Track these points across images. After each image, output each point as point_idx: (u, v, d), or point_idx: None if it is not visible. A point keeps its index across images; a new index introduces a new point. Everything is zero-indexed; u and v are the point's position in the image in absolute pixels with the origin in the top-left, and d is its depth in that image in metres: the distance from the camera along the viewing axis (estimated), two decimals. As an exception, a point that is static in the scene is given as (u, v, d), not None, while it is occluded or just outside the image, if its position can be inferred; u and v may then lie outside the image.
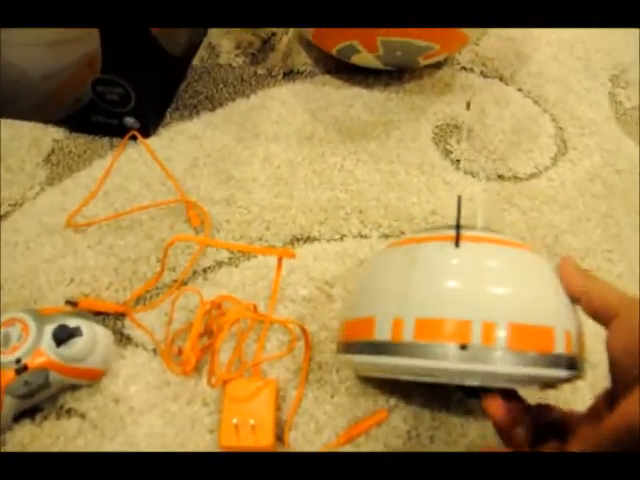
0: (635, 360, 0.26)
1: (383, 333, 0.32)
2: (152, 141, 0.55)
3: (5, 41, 0.48)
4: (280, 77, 0.61)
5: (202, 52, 0.63)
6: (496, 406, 0.32)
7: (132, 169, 0.53)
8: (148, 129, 0.55)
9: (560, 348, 0.30)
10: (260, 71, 0.61)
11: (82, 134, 0.56)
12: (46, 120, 0.56)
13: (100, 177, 0.52)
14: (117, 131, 0.54)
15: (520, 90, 0.62)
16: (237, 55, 0.63)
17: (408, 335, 0.31)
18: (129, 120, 0.53)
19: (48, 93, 0.53)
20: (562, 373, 0.31)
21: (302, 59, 0.62)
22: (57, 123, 0.56)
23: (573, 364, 0.31)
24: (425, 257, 0.33)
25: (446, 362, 0.30)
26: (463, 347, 0.30)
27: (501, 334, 0.30)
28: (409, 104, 0.58)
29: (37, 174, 0.53)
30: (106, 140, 0.55)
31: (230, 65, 0.62)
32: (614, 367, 0.28)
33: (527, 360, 0.30)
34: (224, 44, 0.63)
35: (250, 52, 0.63)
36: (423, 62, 0.57)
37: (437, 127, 0.57)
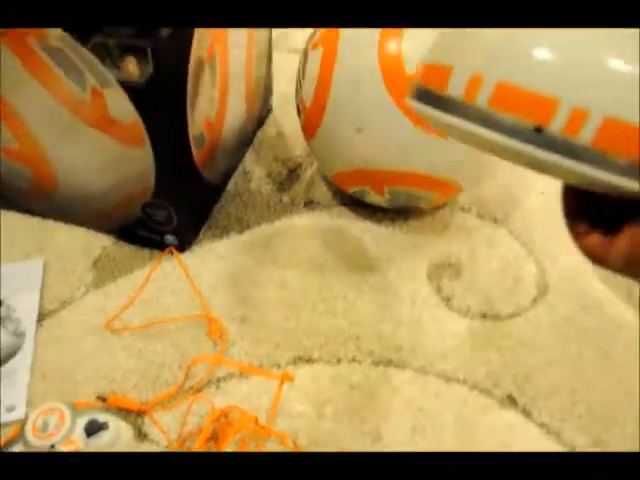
0: None
1: (457, 88, 0.28)
2: (186, 256, 0.64)
3: (69, 167, 0.59)
4: (302, 206, 0.70)
5: (237, 177, 0.73)
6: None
7: (166, 282, 0.62)
8: (184, 246, 0.64)
9: None
10: (285, 199, 0.71)
11: (127, 243, 0.65)
12: (99, 229, 0.66)
13: (138, 286, 0.61)
14: (157, 245, 0.64)
15: (511, 233, 0.70)
16: (267, 182, 0.73)
17: (483, 99, 0.27)
18: (169, 237, 0.63)
19: (103, 208, 0.63)
20: None
21: (323, 191, 0.72)
22: (107, 232, 0.66)
23: None
24: None
25: (516, 142, 0.26)
26: (538, 130, 0.25)
27: (590, 126, 0.24)
28: (410, 241, 0.67)
29: (85, 277, 0.62)
30: (147, 251, 0.65)
31: (259, 191, 0.72)
32: None
33: (613, 167, 0.24)
34: (256, 171, 0.74)
35: (278, 180, 0.73)
36: (425, 206, 0.66)
37: (433, 264, 0.65)
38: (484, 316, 0.61)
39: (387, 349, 0.57)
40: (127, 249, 0.65)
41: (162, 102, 0.49)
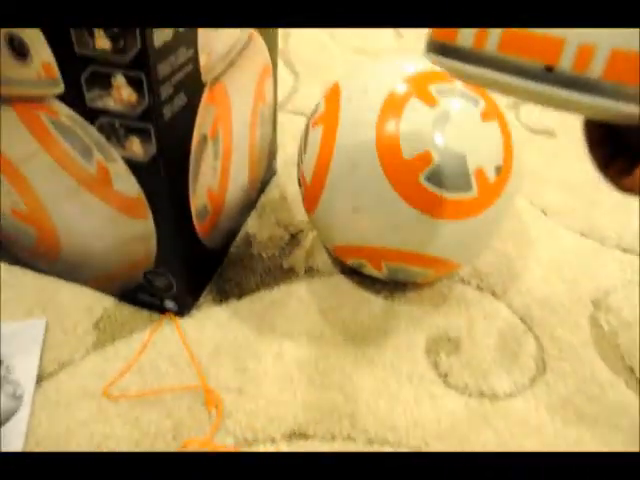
0: None
1: (466, 38, 0.29)
2: (185, 321, 0.64)
3: (73, 232, 0.60)
4: (302, 273, 0.71)
5: (239, 241, 0.74)
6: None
7: (165, 347, 0.62)
8: (183, 311, 0.64)
9: None
10: (285, 265, 0.71)
11: (128, 304, 0.66)
12: (101, 290, 0.66)
13: (137, 351, 0.61)
14: (158, 308, 0.64)
15: (509, 307, 0.70)
16: (268, 247, 0.73)
17: (492, 45, 0.28)
18: (169, 303, 0.63)
19: (105, 272, 0.64)
20: None
21: (323, 258, 0.72)
22: (109, 294, 0.66)
23: None
24: None
25: (529, 82, 0.27)
26: (549, 69, 0.26)
27: (598, 61, 0.25)
28: (408, 313, 0.67)
29: (86, 338, 0.63)
30: (147, 314, 0.65)
31: (261, 255, 0.72)
32: None
33: (624, 96, 0.25)
34: (258, 235, 0.75)
35: (279, 245, 0.74)
36: (422, 281, 0.66)
37: (431, 338, 0.65)
38: (482, 394, 0.61)
39: (382, 427, 0.57)
40: (128, 311, 0.66)
41: (165, 179, 0.50)
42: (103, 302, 0.66)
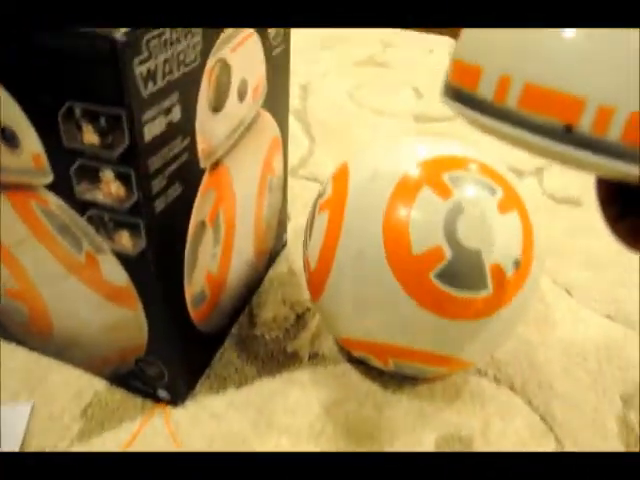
0: None
1: (487, 88, 0.28)
2: (178, 412, 0.60)
3: (64, 314, 0.57)
4: (306, 359, 0.66)
5: (242, 320, 0.71)
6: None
7: (154, 441, 0.58)
8: (177, 400, 0.60)
9: None
10: (289, 349, 0.67)
11: (120, 389, 0.62)
12: (93, 372, 0.63)
13: (124, 443, 0.57)
14: (151, 396, 0.61)
15: (529, 403, 0.65)
16: (272, 328, 0.70)
17: (512, 100, 0.27)
18: (161, 392, 0.59)
19: (96, 356, 0.60)
20: None
21: (329, 344, 0.68)
22: (101, 376, 0.63)
23: None
24: None
25: (547, 140, 0.26)
26: (568, 129, 0.26)
27: (617, 123, 0.24)
28: (418, 409, 0.62)
29: (72, 426, 0.59)
30: (140, 400, 0.61)
31: (264, 337, 0.69)
32: None
33: None
34: (262, 314, 0.71)
35: (284, 326, 0.70)
36: (433, 377, 0.61)
37: (441, 437, 0.60)
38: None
39: None
40: (120, 396, 0.62)
41: (156, 271, 0.47)
42: (94, 385, 0.63)
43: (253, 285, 0.73)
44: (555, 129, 0.26)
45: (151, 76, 0.39)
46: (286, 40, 0.62)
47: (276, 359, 0.66)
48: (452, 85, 0.31)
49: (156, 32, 0.38)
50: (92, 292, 0.52)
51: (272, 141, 0.65)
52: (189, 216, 0.50)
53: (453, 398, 0.64)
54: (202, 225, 0.53)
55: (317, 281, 0.57)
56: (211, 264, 0.57)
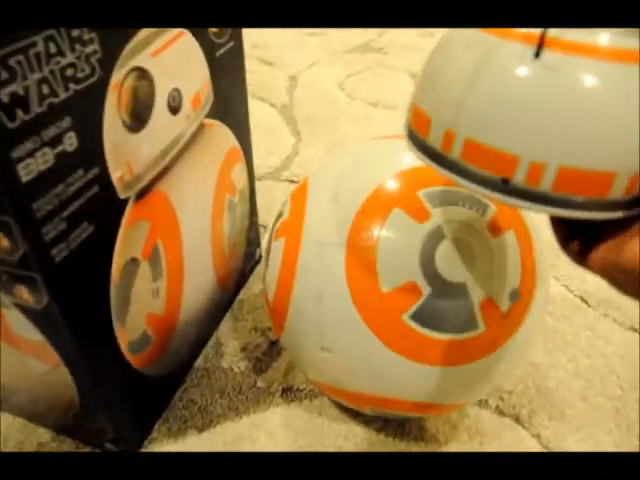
0: None
1: (435, 139, 0.30)
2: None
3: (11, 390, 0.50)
4: (278, 394, 0.59)
5: (208, 350, 0.63)
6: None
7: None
8: (129, 450, 0.53)
9: (618, 194, 0.27)
10: (260, 383, 0.60)
11: (68, 438, 0.56)
12: (36, 421, 0.57)
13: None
14: (99, 447, 0.54)
15: (537, 438, 0.56)
16: (241, 359, 0.62)
17: (456, 153, 0.29)
18: (108, 445, 0.53)
19: (34, 410, 0.54)
20: (617, 214, 0.28)
21: (304, 376, 0.60)
22: (46, 426, 0.56)
23: (634, 203, 0.28)
24: (498, 61, 0.28)
25: (487, 190, 0.29)
26: (505, 181, 0.28)
27: (549, 176, 0.27)
28: (407, 451, 0.54)
29: None
30: (89, 450, 0.55)
31: (232, 369, 0.61)
32: None
33: (572, 204, 0.28)
34: (230, 344, 0.63)
35: (255, 356, 0.62)
36: (418, 418, 0.53)
37: (432, 488, 0.52)
38: None
39: None
40: (67, 446, 0.55)
41: (69, 327, 0.40)
42: (39, 436, 0.56)
43: (220, 311, 0.66)
44: (493, 181, 0.28)
45: (19, 102, 0.31)
46: (235, 36, 0.53)
47: (245, 395, 0.59)
48: (410, 128, 0.33)
49: (20, 44, 0.30)
50: (11, 348, 0.45)
51: (228, 154, 0.57)
52: (110, 256, 0.42)
53: (448, 436, 0.55)
54: (133, 262, 0.45)
55: (276, 319, 0.49)
56: (152, 303, 0.50)
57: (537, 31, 0.27)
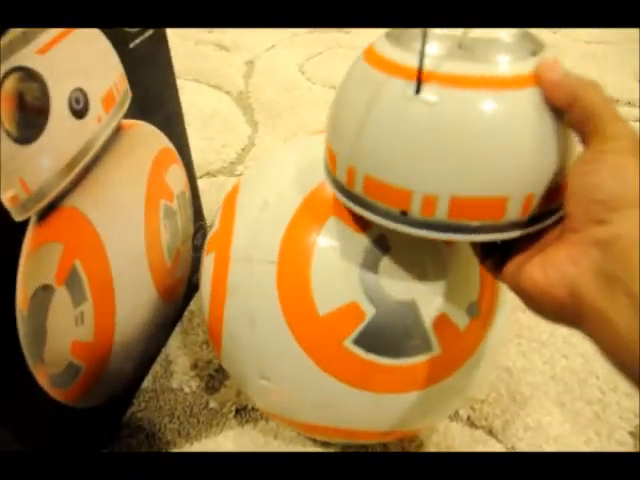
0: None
1: (340, 175, 0.32)
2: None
3: None
4: (232, 415, 0.54)
5: (157, 367, 0.58)
6: None
7: None
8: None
9: (513, 215, 0.29)
10: (212, 404, 0.55)
11: None
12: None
13: None
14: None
15: (513, 450, 0.52)
16: (192, 377, 0.57)
17: (359, 188, 0.31)
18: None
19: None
20: (514, 234, 0.29)
21: (259, 393, 0.56)
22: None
23: (532, 222, 0.29)
24: (385, 98, 0.29)
25: (389, 222, 0.30)
26: (403, 213, 0.30)
27: (442, 207, 0.28)
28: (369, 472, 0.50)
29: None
30: None
31: (182, 390, 0.56)
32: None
33: (469, 229, 0.29)
34: (180, 361, 0.58)
35: (207, 373, 0.57)
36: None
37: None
38: None
39: None
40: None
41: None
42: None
43: (166, 326, 0.60)
44: (394, 213, 0.30)
45: None
46: (155, 22, 0.47)
47: (196, 418, 0.54)
48: (325, 162, 0.35)
49: None
50: None
51: (158, 156, 0.51)
52: (12, 287, 0.37)
53: (413, 452, 0.51)
54: (45, 290, 0.40)
55: (213, 342, 0.44)
56: (77, 330, 0.44)
57: (415, 66, 0.27)
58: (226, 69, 0.97)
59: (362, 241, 0.36)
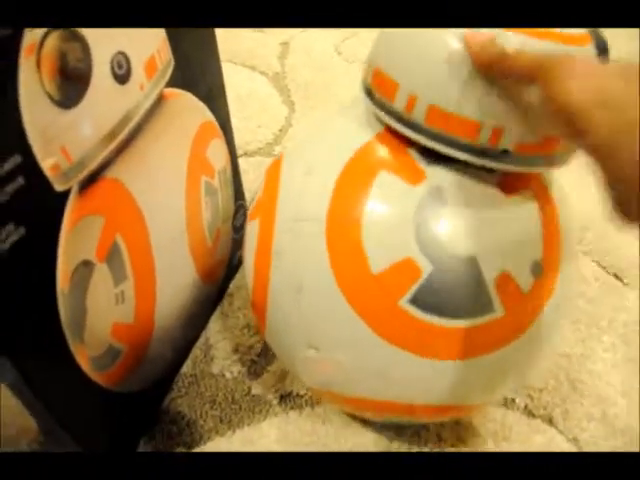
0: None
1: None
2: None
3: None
4: (276, 401, 0.52)
5: (197, 351, 0.56)
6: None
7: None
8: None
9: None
10: (255, 390, 0.53)
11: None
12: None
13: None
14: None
15: (575, 441, 0.49)
16: (233, 361, 0.55)
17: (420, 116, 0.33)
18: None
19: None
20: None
21: (304, 379, 0.53)
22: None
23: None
24: None
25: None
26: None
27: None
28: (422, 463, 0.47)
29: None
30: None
31: (223, 375, 0.54)
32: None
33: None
34: (221, 345, 0.56)
35: (248, 358, 0.55)
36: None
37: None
38: None
39: None
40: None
41: (9, 349, 0.33)
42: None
43: (206, 308, 0.58)
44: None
45: None
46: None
47: (238, 405, 0.52)
48: (369, 88, 0.36)
49: None
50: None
51: (200, 129, 0.49)
52: (53, 262, 0.35)
53: (470, 444, 0.48)
54: (85, 266, 0.38)
55: (258, 315, 0.42)
56: (118, 310, 0.42)
57: None
58: (261, 50, 0.95)
59: (416, 193, 0.34)
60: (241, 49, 0.94)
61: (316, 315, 0.36)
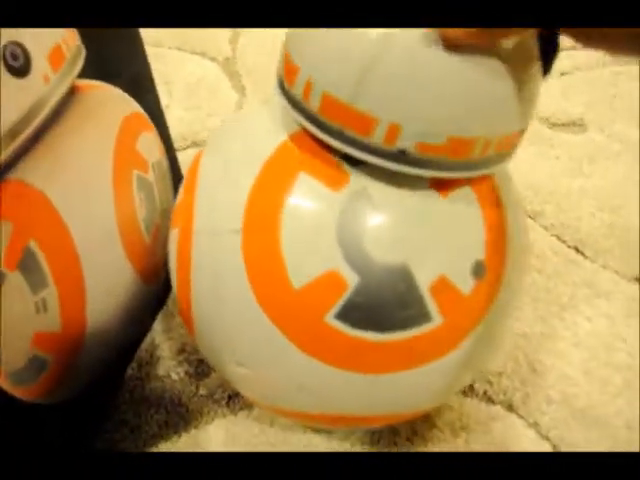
0: None
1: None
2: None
3: None
4: (224, 402, 0.50)
5: (143, 353, 0.53)
6: None
7: None
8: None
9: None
10: (202, 391, 0.50)
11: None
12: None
13: None
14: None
15: (535, 426, 0.47)
16: (179, 362, 0.52)
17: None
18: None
19: None
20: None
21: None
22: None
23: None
24: None
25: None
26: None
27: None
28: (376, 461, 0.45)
29: None
30: None
31: (169, 377, 0.52)
32: None
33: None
34: (166, 345, 0.54)
35: (195, 357, 0.53)
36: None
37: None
38: None
39: None
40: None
41: None
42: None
43: (149, 308, 0.56)
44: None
45: None
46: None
47: (184, 407, 0.50)
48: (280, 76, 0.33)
49: None
50: None
51: (125, 122, 0.46)
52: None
53: (426, 437, 0.46)
54: (-9, 277, 0.35)
55: (187, 325, 0.40)
56: (39, 319, 0.40)
57: None
58: (211, 35, 0.91)
59: (339, 198, 0.31)
60: (190, 35, 0.91)
61: (240, 332, 0.34)
